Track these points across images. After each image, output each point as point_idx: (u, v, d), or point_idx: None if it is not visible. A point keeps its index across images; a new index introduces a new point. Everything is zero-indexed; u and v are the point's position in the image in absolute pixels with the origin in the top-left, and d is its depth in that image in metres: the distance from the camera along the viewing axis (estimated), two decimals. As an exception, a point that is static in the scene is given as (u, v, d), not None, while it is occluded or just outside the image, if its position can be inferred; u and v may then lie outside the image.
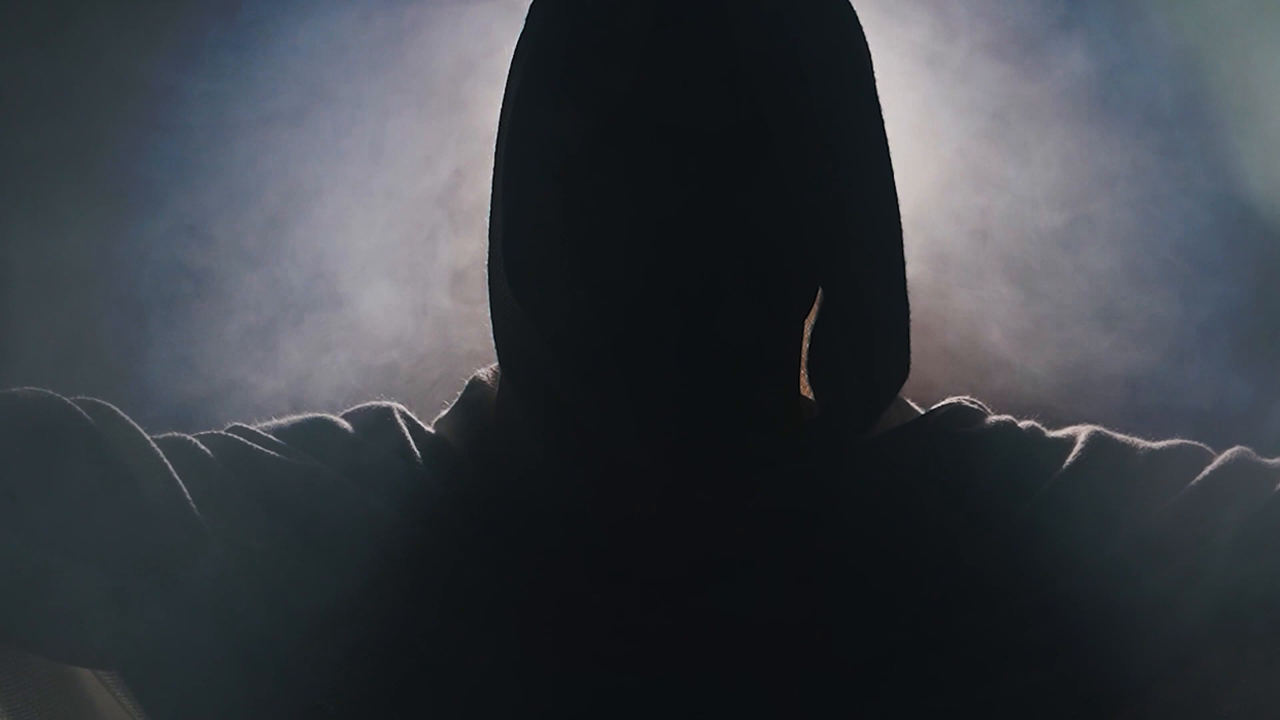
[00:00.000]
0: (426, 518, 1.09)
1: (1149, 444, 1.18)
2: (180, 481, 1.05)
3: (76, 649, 1.04)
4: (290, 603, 1.05)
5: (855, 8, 1.15)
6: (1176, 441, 1.18)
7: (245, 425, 1.13)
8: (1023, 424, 1.19)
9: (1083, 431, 1.18)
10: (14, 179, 1.52)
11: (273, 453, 1.10)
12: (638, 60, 1.08)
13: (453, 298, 1.55)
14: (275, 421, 1.15)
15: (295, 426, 1.14)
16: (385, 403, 1.18)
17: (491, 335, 1.15)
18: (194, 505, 1.04)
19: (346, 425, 1.15)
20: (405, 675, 1.04)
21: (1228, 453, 1.15)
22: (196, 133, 1.56)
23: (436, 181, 1.57)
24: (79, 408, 1.05)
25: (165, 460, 1.05)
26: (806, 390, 1.18)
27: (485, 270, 1.15)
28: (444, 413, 1.18)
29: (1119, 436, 1.18)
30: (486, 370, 1.19)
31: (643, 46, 1.08)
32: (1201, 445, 1.17)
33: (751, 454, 1.10)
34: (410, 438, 1.14)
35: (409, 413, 1.18)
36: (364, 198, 1.57)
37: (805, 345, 1.16)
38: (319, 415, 1.16)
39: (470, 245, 1.56)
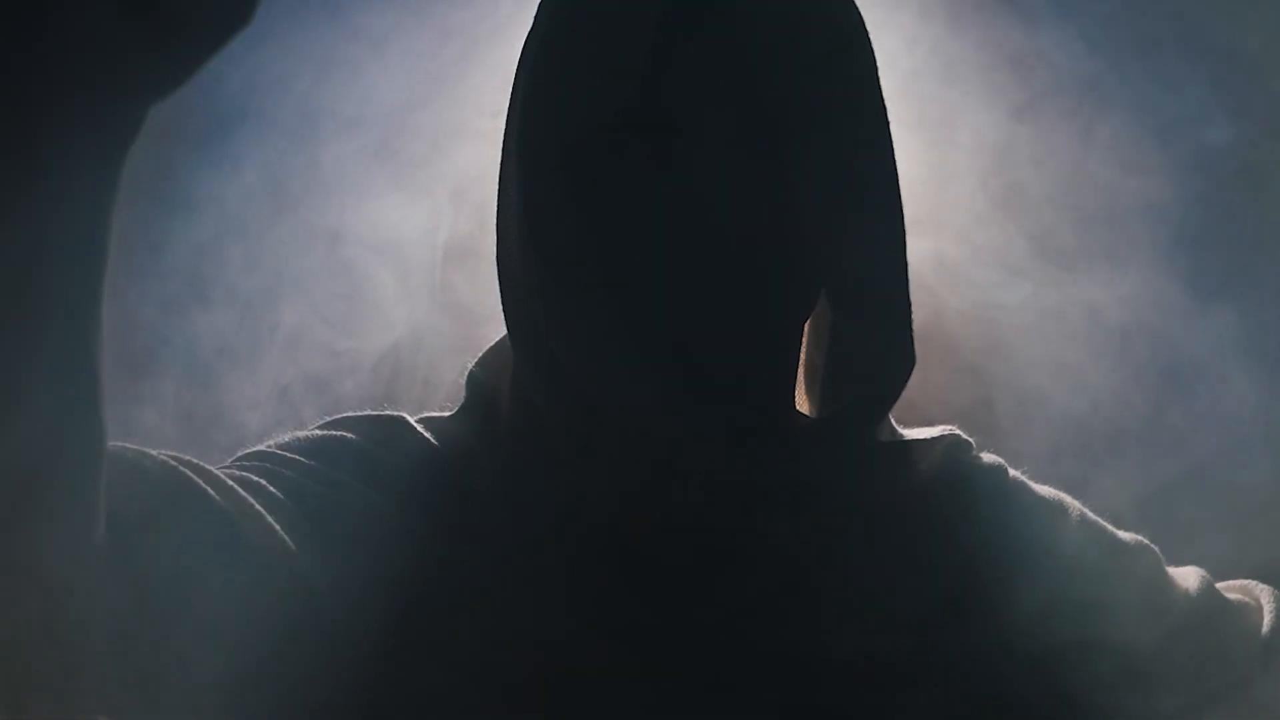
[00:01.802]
0: (460, 529, 1.09)
1: (1117, 534, 1.23)
2: (280, 530, 1.04)
3: (181, 707, 1.02)
4: (349, 628, 1.05)
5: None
6: (1139, 542, 1.23)
7: (265, 449, 1.11)
8: (1012, 473, 1.21)
9: (1071, 508, 1.21)
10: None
11: (311, 481, 1.09)
12: (645, 58, 1.08)
13: (466, 287, 1.56)
14: (291, 439, 1.12)
15: (317, 447, 1.12)
16: (395, 412, 1.17)
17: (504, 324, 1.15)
18: (293, 547, 1.04)
19: (365, 440, 1.13)
20: (457, 688, 1.06)
21: (1194, 585, 1.22)
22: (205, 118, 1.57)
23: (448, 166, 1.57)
24: (188, 471, 1.02)
25: (263, 512, 1.04)
26: (800, 402, 1.19)
27: (495, 258, 1.15)
28: (442, 414, 1.18)
29: (1095, 519, 1.22)
30: (475, 365, 1.19)
31: (650, 46, 1.09)
32: (1154, 548, 1.23)
33: (768, 440, 1.11)
34: (437, 445, 1.14)
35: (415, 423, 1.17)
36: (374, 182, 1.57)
37: (804, 352, 1.17)
38: (336, 433, 1.13)
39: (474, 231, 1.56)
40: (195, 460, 1.04)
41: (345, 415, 1.16)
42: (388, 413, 1.17)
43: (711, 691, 1.07)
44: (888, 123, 1.15)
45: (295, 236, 1.58)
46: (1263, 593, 1.25)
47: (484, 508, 1.11)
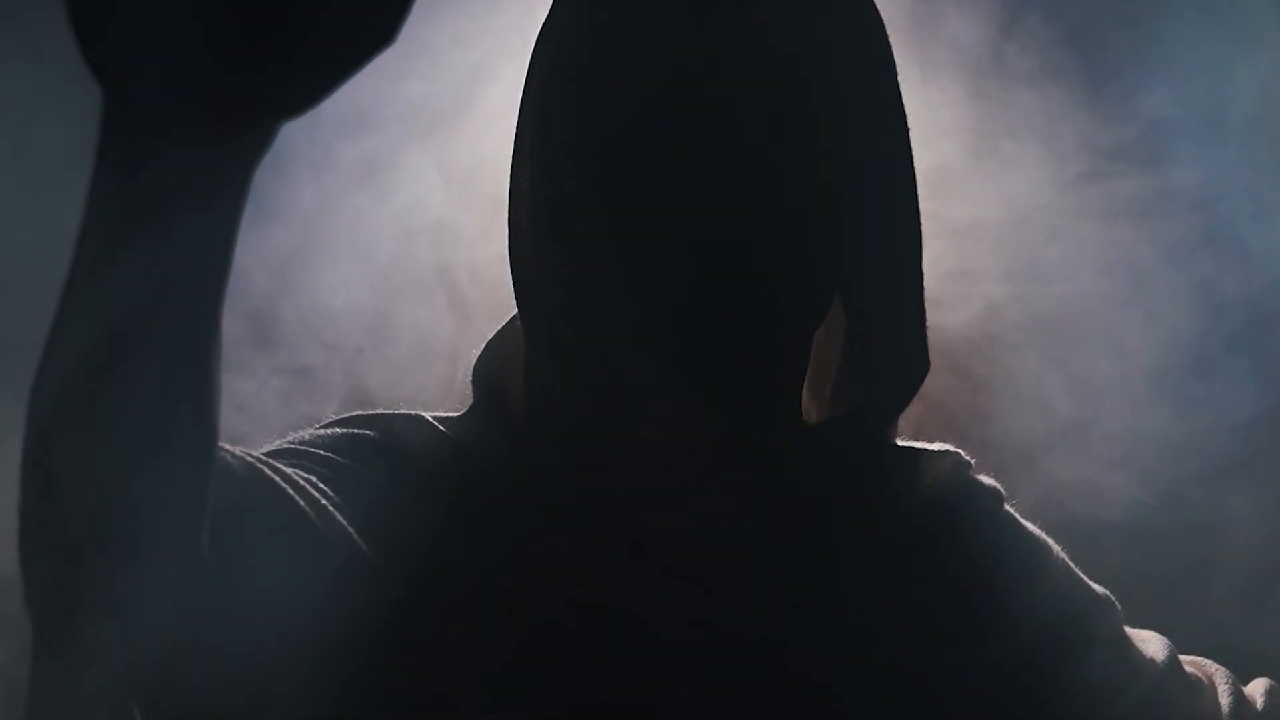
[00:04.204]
0: (473, 524, 1.10)
1: (1091, 584, 1.23)
2: (340, 518, 1.05)
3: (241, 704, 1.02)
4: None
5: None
6: (1108, 596, 1.23)
7: (290, 446, 1.10)
8: (1007, 505, 1.22)
9: (1055, 548, 1.22)
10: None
11: (338, 476, 1.08)
12: (664, 54, 1.09)
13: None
14: (311, 435, 1.12)
15: (339, 444, 1.11)
16: (411, 410, 1.16)
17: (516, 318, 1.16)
18: (364, 547, 1.04)
19: (382, 435, 1.12)
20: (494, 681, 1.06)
21: (1161, 655, 1.22)
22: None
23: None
24: (268, 469, 1.02)
25: (334, 511, 1.04)
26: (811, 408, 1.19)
27: (507, 251, 1.15)
28: (451, 415, 1.17)
29: (1073, 566, 1.22)
30: (479, 360, 1.18)
31: (670, 43, 1.09)
32: (1118, 606, 1.23)
33: (771, 439, 1.11)
34: (460, 443, 1.14)
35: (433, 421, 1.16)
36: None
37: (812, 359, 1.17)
38: (353, 430, 1.13)
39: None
40: (262, 455, 1.04)
41: (358, 413, 1.16)
42: (403, 410, 1.16)
43: (713, 692, 1.07)
44: (906, 126, 1.15)
45: (303, 228, 1.57)
46: (1216, 673, 1.25)
47: (497, 502, 1.10)
